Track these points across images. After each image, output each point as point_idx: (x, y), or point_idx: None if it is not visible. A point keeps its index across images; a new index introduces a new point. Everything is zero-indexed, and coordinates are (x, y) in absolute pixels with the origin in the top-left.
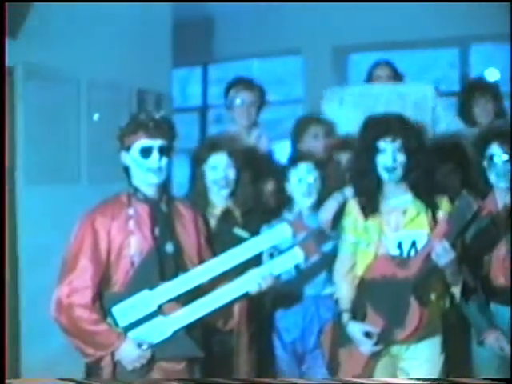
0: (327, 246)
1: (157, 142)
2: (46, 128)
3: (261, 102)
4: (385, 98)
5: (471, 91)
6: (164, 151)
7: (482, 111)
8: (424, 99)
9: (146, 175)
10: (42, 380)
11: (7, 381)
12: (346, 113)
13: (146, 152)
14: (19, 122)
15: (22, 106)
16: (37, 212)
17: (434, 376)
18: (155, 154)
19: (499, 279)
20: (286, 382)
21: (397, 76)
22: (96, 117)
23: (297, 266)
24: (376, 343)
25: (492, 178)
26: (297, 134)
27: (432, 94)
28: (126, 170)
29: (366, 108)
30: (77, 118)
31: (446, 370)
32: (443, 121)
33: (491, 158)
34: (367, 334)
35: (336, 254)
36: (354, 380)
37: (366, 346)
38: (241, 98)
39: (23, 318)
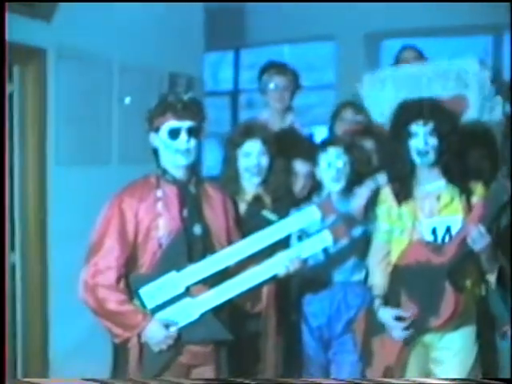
0: (357, 231)
1: (185, 124)
2: (77, 110)
3: (294, 87)
4: (426, 78)
5: None
6: (192, 132)
7: None
8: (466, 73)
9: (174, 157)
10: (64, 380)
11: (29, 379)
12: (388, 95)
13: (174, 133)
14: (50, 103)
15: (54, 88)
16: (67, 193)
17: (468, 366)
18: (183, 136)
19: None
20: (307, 382)
21: (422, 60)
22: (128, 100)
23: (325, 250)
24: (407, 328)
25: None
26: (333, 118)
27: (475, 67)
28: (155, 151)
29: (408, 89)
30: (108, 100)
31: (479, 361)
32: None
33: None
34: (399, 319)
35: (365, 238)
36: (367, 380)
37: (398, 331)
38: (274, 82)
39: (52, 299)
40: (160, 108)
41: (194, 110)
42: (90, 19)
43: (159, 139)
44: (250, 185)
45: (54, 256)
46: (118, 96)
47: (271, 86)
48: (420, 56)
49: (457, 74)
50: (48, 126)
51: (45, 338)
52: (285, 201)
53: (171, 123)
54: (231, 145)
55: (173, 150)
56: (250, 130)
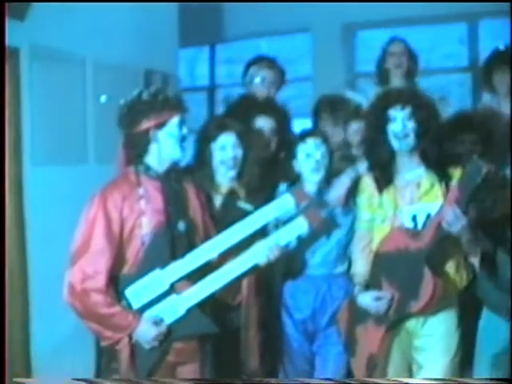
0: (337, 218)
1: (182, 117)
2: (52, 109)
3: (280, 83)
4: None
5: (492, 61)
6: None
7: (501, 82)
8: None
9: (180, 149)
10: (53, 380)
11: (18, 380)
12: None
13: (180, 126)
14: (25, 103)
15: (27, 88)
16: (44, 193)
17: (450, 353)
18: (184, 129)
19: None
20: (290, 382)
21: (410, 53)
22: (103, 98)
23: (299, 237)
24: (388, 309)
25: None
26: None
27: None
28: (142, 148)
29: None
30: (83, 98)
31: (461, 346)
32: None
33: None
34: (378, 299)
35: (348, 229)
36: (356, 380)
37: (379, 310)
38: (262, 76)
39: (32, 300)
40: (162, 102)
41: (184, 104)
42: (62, 18)
43: (166, 133)
44: (225, 178)
45: (33, 256)
46: (93, 94)
47: (257, 79)
48: (408, 50)
49: None
50: (23, 127)
51: (26, 340)
52: (259, 191)
53: (180, 116)
54: (205, 139)
55: (180, 141)
56: (224, 124)
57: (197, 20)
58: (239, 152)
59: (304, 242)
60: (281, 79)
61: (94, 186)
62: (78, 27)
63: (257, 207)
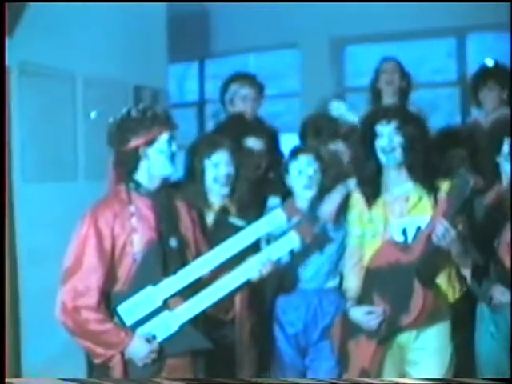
0: (329, 233)
1: (173, 134)
2: (42, 126)
3: (260, 97)
4: None
5: (480, 77)
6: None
7: (487, 97)
8: None
9: (169, 165)
10: (43, 380)
11: (7, 380)
12: None
13: (170, 143)
14: (15, 120)
15: (17, 105)
16: (34, 210)
17: (444, 366)
18: (174, 145)
19: (506, 262)
20: (287, 382)
21: (402, 72)
22: (93, 114)
23: (292, 251)
24: (380, 323)
25: (507, 166)
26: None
27: None
28: (132, 165)
29: None
30: (73, 115)
31: (454, 360)
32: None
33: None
34: (370, 313)
35: (338, 241)
36: (354, 380)
37: (371, 323)
38: (242, 93)
39: (23, 318)
40: (153, 119)
41: (173, 121)
42: (51, 34)
43: (156, 150)
44: (218, 195)
45: (23, 273)
46: (83, 111)
47: (237, 96)
48: (400, 68)
49: None
50: (13, 143)
51: (17, 356)
52: (250, 207)
53: (168, 133)
54: (198, 155)
55: (170, 158)
56: (217, 141)
57: (186, 36)
58: (232, 169)
59: (296, 257)
60: (260, 94)
61: (84, 203)
62: (67, 43)
63: (249, 223)
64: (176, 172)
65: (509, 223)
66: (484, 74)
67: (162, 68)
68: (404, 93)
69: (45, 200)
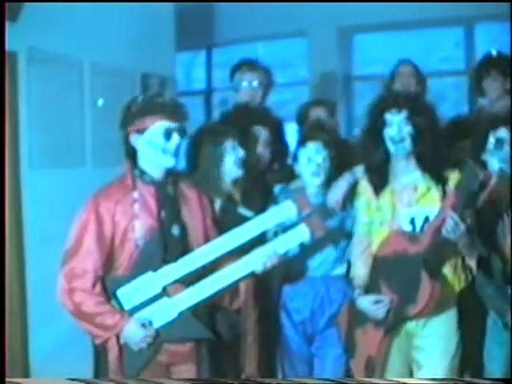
0: (334, 222)
1: (176, 125)
2: (49, 112)
3: (267, 83)
4: None
5: (483, 66)
6: (182, 134)
7: (491, 86)
8: None
9: (163, 157)
10: (44, 380)
11: (7, 380)
12: None
13: (167, 134)
14: (22, 106)
15: (25, 91)
16: (41, 196)
17: (450, 353)
18: (175, 137)
19: (507, 254)
20: (291, 382)
21: (419, 75)
22: (100, 102)
23: (303, 244)
24: (387, 312)
25: (494, 161)
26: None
27: None
28: (132, 152)
29: None
30: (80, 102)
31: (461, 347)
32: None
33: (498, 141)
34: (377, 302)
35: (346, 232)
36: (355, 380)
37: (378, 312)
38: (247, 79)
39: (30, 303)
40: (147, 108)
41: (183, 111)
42: (59, 21)
43: (145, 140)
44: (227, 183)
45: (31, 259)
46: (90, 98)
47: (244, 83)
48: (416, 71)
49: None
50: (21, 130)
51: (24, 341)
52: (258, 197)
53: (164, 124)
54: (207, 144)
55: (163, 150)
56: (227, 130)
57: (194, 24)
58: (242, 158)
59: (304, 249)
60: (267, 81)
61: (91, 189)
62: (75, 30)
63: (257, 213)
64: (176, 163)
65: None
66: (487, 64)
67: (169, 56)
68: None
69: (52, 186)
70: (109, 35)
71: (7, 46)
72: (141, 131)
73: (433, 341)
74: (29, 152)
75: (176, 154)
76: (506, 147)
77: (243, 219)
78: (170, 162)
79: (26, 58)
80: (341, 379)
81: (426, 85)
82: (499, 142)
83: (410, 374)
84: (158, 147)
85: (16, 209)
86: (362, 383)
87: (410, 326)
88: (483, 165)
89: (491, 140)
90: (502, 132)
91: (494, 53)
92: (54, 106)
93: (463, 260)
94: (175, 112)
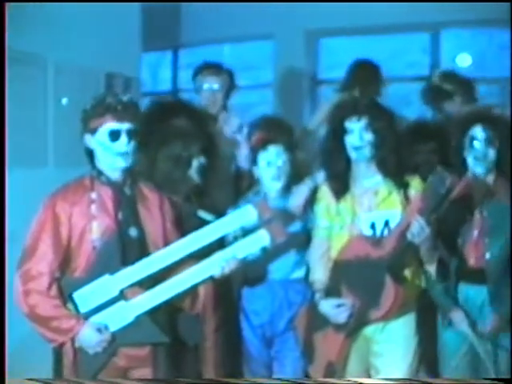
0: (296, 228)
1: (125, 126)
2: (12, 111)
3: (229, 87)
4: None
5: (441, 82)
6: (132, 135)
7: (450, 102)
8: None
9: (113, 159)
10: (44, 380)
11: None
12: None
13: (114, 135)
14: None
15: None
16: (2, 195)
17: (408, 358)
18: (123, 138)
19: (470, 260)
20: (286, 382)
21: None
22: (64, 101)
23: (263, 248)
24: (349, 316)
25: (470, 161)
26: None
27: None
28: (90, 153)
29: None
30: (44, 101)
31: (418, 352)
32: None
33: (471, 140)
34: (339, 306)
35: (305, 236)
36: (353, 380)
37: (340, 317)
38: (208, 83)
39: None
40: (98, 109)
41: (133, 111)
42: (24, 18)
43: (96, 141)
44: (186, 185)
45: None
46: (54, 97)
47: (205, 86)
48: (376, 72)
49: None
50: None
51: None
52: (219, 199)
53: (111, 125)
54: (177, 145)
55: (112, 152)
56: (186, 131)
57: (160, 24)
58: (202, 159)
59: (265, 253)
60: (229, 84)
61: (52, 190)
62: (39, 28)
63: (217, 217)
64: (127, 164)
65: (473, 220)
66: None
67: (135, 56)
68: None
69: (14, 186)
70: (74, 34)
71: None
72: (92, 132)
73: (391, 346)
74: None
75: (125, 155)
76: (481, 146)
77: (203, 223)
78: (120, 163)
79: None
80: (301, 379)
81: (383, 81)
82: (474, 141)
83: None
84: (106, 148)
85: None
86: (321, 383)
87: (368, 330)
88: (451, 167)
89: (466, 140)
90: (477, 131)
91: (464, 59)
92: (16, 104)
93: (421, 264)
94: (123, 112)
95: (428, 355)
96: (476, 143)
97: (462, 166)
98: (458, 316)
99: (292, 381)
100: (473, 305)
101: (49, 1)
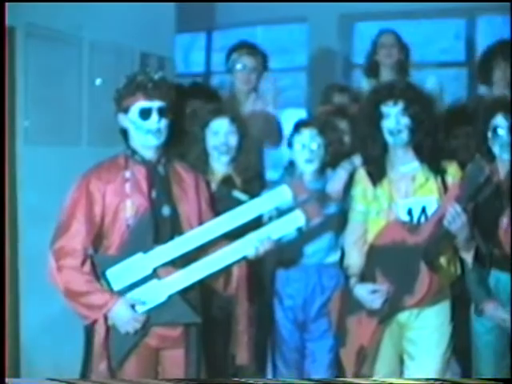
0: (332, 211)
1: (156, 104)
2: (46, 89)
3: (262, 68)
4: None
5: (493, 53)
6: (163, 112)
7: (502, 74)
8: None
9: (145, 137)
10: (44, 380)
11: (7, 380)
12: None
13: (145, 113)
14: (20, 82)
15: (22, 67)
16: (35, 173)
17: (443, 346)
18: (154, 116)
19: (506, 248)
20: (288, 382)
21: (401, 45)
22: (98, 81)
23: (299, 229)
24: (384, 302)
25: (495, 148)
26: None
27: None
28: (124, 132)
29: None
30: (78, 80)
31: (453, 340)
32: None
33: (495, 129)
34: (374, 292)
35: (341, 219)
36: (355, 380)
37: (375, 303)
38: (242, 62)
39: (22, 282)
40: (129, 88)
41: (164, 89)
42: None
43: (129, 119)
44: (219, 164)
45: (23, 237)
46: (88, 76)
47: (238, 66)
48: (399, 41)
49: None
50: (17, 106)
51: (16, 318)
52: (255, 181)
53: (142, 103)
54: (198, 123)
55: (144, 130)
56: (217, 109)
57: (195, 6)
58: (233, 138)
59: (300, 235)
60: (262, 66)
61: (85, 169)
62: (74, 8)
63: (252, 197)
64: (160, 142)
65: (504, 212)
66: (495, 52)
67: (169, 37)
68: (403, 67)
69: (47, 164)
70: (110, 14)
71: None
72: (125, 111)
73: (425, 333)
74: (24, 128)
75: (157, 133)
76: (504, 134)
77: (238, 203)
78: (152, 141)
79: (24, 34)
80: (303, 380)
81: (408, 53)
82: (497, 129)
83: (401, 365)
84: (138, 127)
85: (10, 184)
86: (351, 383)
87: (402, 316)
88: (487, 155)
89: (491, 127)
90: (500, 119)
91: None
92: (51, 82)
93: (456, 252)
94: (154, 90)
95: (460, 345)
96: (500, 131)
97: (489, 155)
98: (491, 306)
99: (295, 381)
100: (505, 293)
101: (49, 1)
